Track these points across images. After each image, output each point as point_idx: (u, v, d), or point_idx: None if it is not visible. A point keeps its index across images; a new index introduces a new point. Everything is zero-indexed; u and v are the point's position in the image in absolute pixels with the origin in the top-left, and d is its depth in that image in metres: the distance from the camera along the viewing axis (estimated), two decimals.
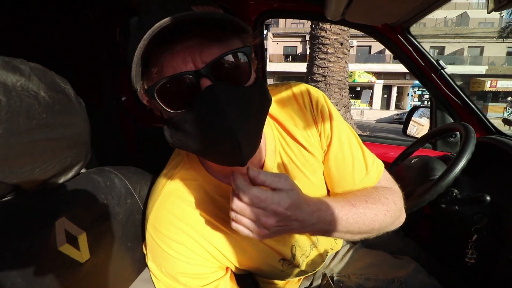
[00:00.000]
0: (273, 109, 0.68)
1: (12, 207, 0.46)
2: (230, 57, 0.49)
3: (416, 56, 1.25)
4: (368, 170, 0.69)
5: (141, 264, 0.68)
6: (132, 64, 0.47)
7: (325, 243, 0.81)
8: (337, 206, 0.57)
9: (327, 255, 0.86)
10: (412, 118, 1.58)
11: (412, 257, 0.92)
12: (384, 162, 1.46)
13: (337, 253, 0.94)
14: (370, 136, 1.69)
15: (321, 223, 0.54)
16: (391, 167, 1.17)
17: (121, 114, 1.68)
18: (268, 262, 0.70)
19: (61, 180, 0.53)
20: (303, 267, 0.76)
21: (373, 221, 0.61)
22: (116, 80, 1.65)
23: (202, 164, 0.65)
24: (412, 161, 1.03)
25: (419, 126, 1.56)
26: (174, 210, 0.61)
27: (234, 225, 0.49)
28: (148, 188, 0.71)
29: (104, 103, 1.61)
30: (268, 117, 0.66)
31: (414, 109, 1.71)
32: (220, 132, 0.48)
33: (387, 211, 0.63)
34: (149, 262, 0.63)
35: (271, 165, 0.66)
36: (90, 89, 1.58)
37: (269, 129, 0.67)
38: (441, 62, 1.22)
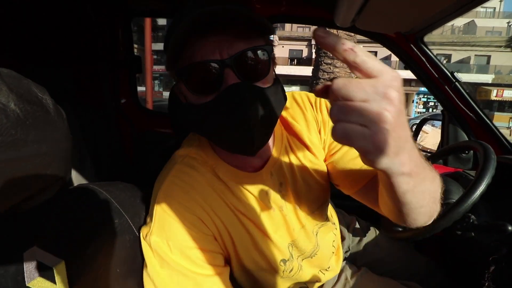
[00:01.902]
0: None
1: None
2: (253, 52, 0.54)
3: (429, 67, 1.18)
4: None
5: None
6: (168, 46, 0.53)
7: (324, 251, 0.78)
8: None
9: (326, 269, 0.81)
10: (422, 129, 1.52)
11: (421, 279, 0.88)
12: None
13: (339, 277, 0.88)
14: None
15: (414, 156, 0.39)
16: None
17: (119, 117, 1.63)
18: (269, 257, 0.67)
19: (35, 202, 0.46)
20: (301, 275, 0.73)
21: (436, 185, 0.49)
22: (116, 82, 1.60)
23: (213, 150, 0.68)
24: None
25: (425, 134, 1.50)
26: (190, 180, 0.63)
27: (342, 126, 0.32)
28: (138, 206, 0.65)
29: (103, 106, 1.56)
30: None
31: (424, 121, 1.64)
32: (238, 125, 0.54)
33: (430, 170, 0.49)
34: (153, 237, 0.57)
35: (277, 156, 0.70)
36: (89, 91, 1.53)
37: (278, 127, 0.72)
38: (456, 74, 1.15)
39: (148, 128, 1.68)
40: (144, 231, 0.60)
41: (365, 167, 0.70)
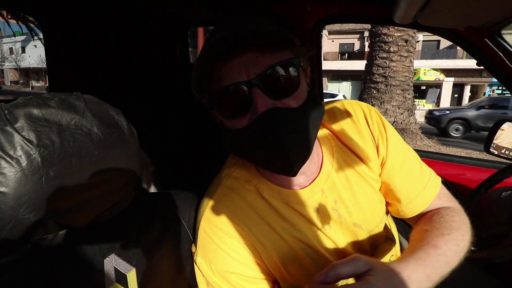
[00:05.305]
0: (328, 121, 0.70)
1: (60, 246, 0.46)
2: (280, 67, 0.53)
3: (509, 64, 1.03)
4: (425, 184, 0.68)
5: None
6: (192, 76, 0.54)
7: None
8: (423, 256, 0.54)
9: None
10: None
11: None
12: (460, 186, 1.26)
13: None
14: (444, 154, 1.47)
15: (420, 281, 0.50)
16: (473, 195, 0.98)
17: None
18: None
19: (113, 213, 0.52)
20: None
21: (457, 252, 0.58)
22: None
23: (256, 169, 0.67)
24: (504, 194, 0.85)
25: (500, 132, 1.30)
26: (231, 206, 0.63)
27: None
28: (196, 217, 0.69)
29: None
30: (324, 129, 0.70)
31: (500, 122, 1.44)
32: (274, 151, 0.53)
33: (462, 235, 0.60)
34: (198, 258, 0.62)
35: (329, 172, 0.66)
36: None
37: (325, 139, 0.69)
38: None
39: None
40: (193, 248, 0.64)
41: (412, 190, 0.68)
